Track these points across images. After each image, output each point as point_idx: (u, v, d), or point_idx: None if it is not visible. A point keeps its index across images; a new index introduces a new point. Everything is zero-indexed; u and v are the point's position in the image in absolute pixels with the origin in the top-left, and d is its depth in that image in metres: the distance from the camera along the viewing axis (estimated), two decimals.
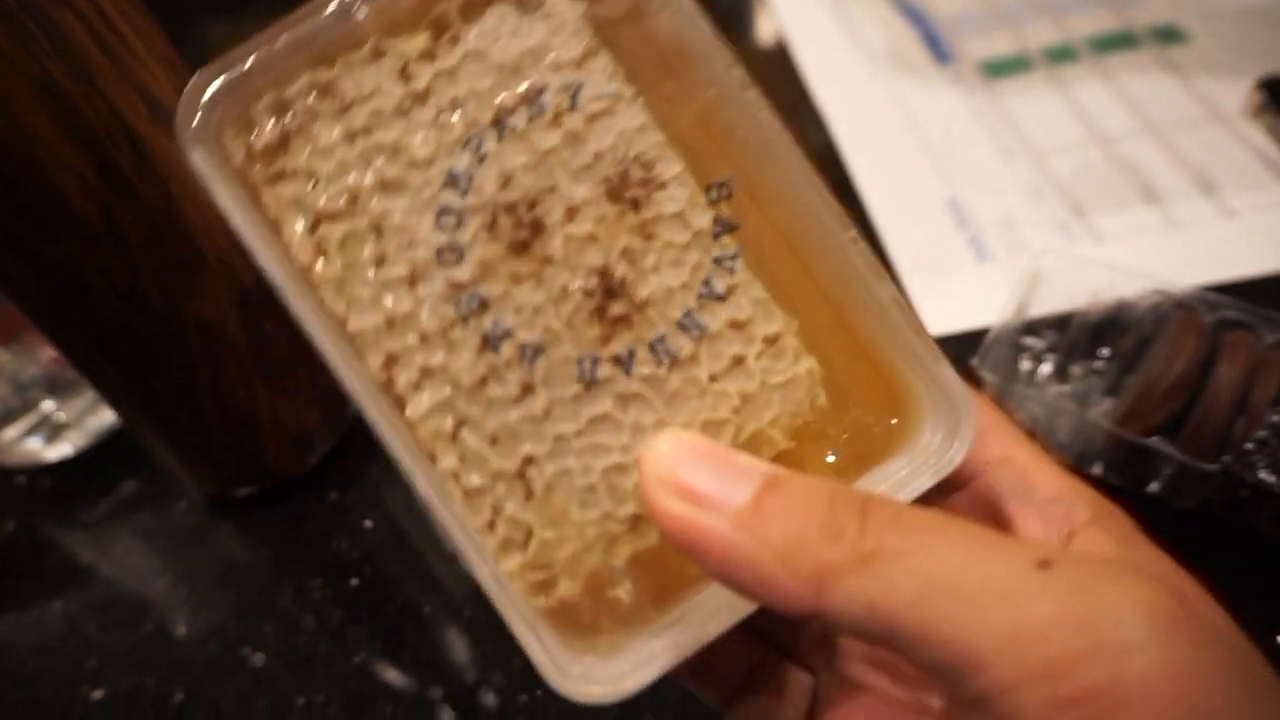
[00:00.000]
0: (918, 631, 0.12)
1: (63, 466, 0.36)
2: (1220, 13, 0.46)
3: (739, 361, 0.17)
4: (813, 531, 0.13)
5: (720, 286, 0.17)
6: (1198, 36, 0.45)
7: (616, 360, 0.16)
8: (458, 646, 0.31)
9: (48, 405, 0.36)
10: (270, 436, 0.32)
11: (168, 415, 0.29)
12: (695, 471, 0.13)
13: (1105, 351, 0.32)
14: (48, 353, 0.36)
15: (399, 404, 0.16)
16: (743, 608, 0.16)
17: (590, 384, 0.16)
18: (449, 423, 0.16)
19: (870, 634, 0.13)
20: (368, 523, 0.34)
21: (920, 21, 0.48)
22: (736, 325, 0.17)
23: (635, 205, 0.16)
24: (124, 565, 0.34)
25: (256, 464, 0.32)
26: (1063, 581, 0.12)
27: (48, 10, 0.20)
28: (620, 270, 0.16)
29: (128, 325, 0.25)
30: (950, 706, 0.17)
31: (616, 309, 0.16)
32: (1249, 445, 0.26)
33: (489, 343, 0.16)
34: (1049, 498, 0.16)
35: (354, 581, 0.32)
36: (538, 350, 0.16)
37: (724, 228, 0.17)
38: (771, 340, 0.17)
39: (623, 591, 0.16)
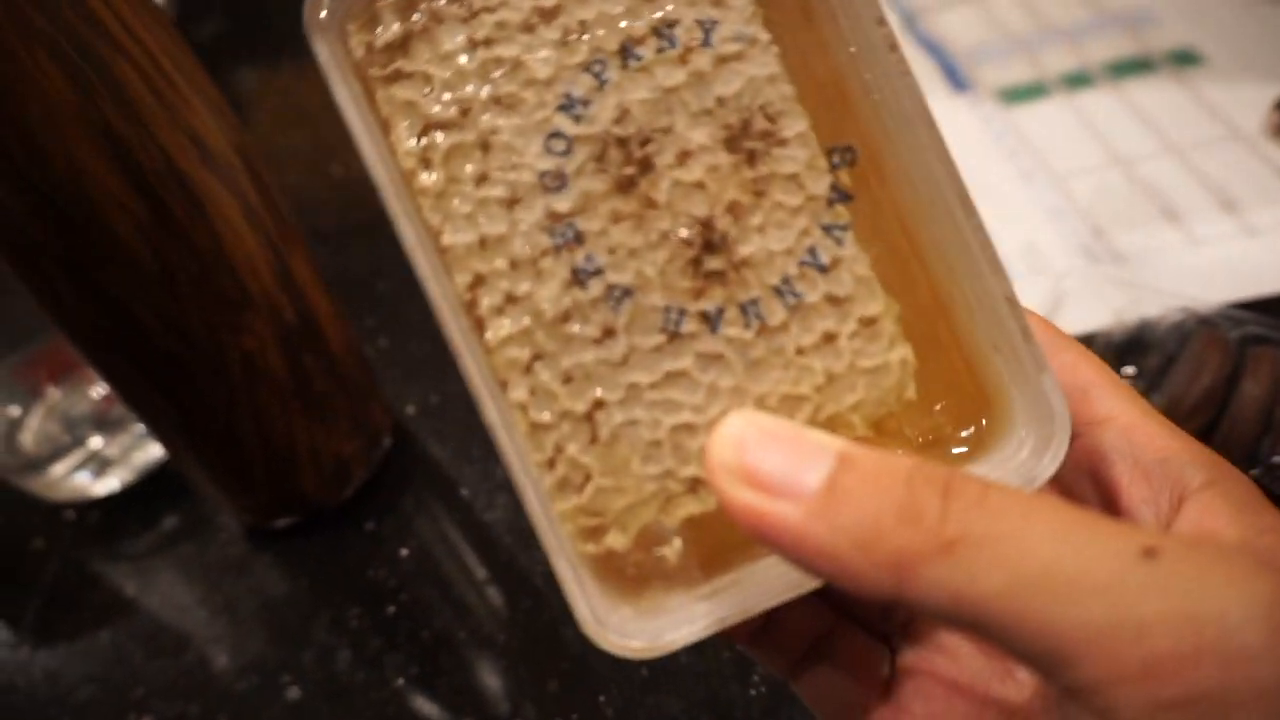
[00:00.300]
0: (1006, 623, 0.12)
1: (109, 501, 0.38)
2: (1236, 34, 0.46)
3: (830, 338, 0.16)
4: (890, 515, 0.12)
5: (825, 258, 0.16)
6: (1214, 58, 0.45)
7: (704, 317, 0.15)
8: (492, 673, 0.31)
9: (96, 441, 0.38)
10: (308, 467, 0.33)
11: (211, 447, 0.30)
12: (765, 456, 0.13)
13: (1130, 370, 0.32)
14: (96, 390, 0.38)
15: (479, 326, 0.15)
16: (803, 584, 0.15)
17: (673, 336, 0.15)
18: (525, 354, 0.15)
19: (954, 622, 0.12)
20: (403, 551, 0.34)
21: (937, 52, 0.49)
22: (834, 300, 0.16)
23: (751, 159, 0.16)
24: (168, 597, 0.35)
25: (295, 495, 0.33)
26: (1170, 574, 0.11)
27: (107, 61, 0.21)
28: (723, 224, 0.16)
29: (174, 358, 0.27)
30: (1043, 687, 0.17)
31: (713, 264, 0.16)
32: (1276, 460, 0.26)
33: (578, 278, 0.15)
34: (1157, 459, 0.15)
35: (390, 610, 0.33)
36: (626, 293, 0.15)
37: (839, 196, 0.16)
38: (868, 322, 0.16)
39: (672, 552, 0.16)
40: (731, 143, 0.16)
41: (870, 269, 0.16)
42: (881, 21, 0.15)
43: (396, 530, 0.35)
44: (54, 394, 0.37)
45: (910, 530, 0.12)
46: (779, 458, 0.13)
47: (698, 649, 0.30)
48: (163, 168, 0.23)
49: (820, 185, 0.16)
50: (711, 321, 0.16)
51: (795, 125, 0.16)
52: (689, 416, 0.16)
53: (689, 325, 0.16)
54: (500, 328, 0.15)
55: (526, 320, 0.15)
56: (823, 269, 0.16)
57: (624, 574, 0.16)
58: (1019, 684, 0.17)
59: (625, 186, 0.15)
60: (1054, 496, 0.14)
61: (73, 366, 0.37)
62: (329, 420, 0.32)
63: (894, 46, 0.15)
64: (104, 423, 0.38)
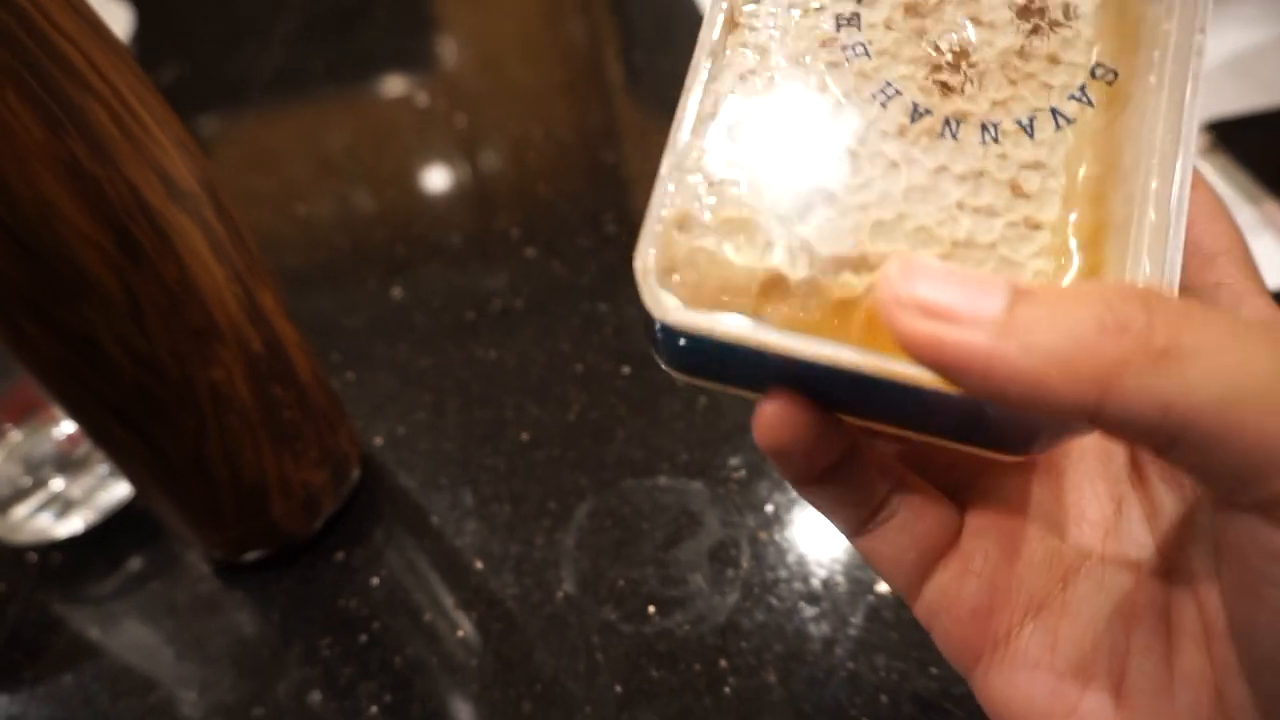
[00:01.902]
0: (1217, 434, 0.11)
1: (73, 543, 0.37)
2: None
3: (992, 212, 0.16)
4: (1090, 328, 0.12)
5: (1038, 136, 0.16)
6: None
7: (912, 113, 0.16)
8: (465, 698, 0.31)
9: (58, 483, 0.37)
10: (278, 497, 0.33)
11: (179, 479, 0.30)
12: (937, 288, 0.12)
13: None
14: (59, 431, 0.37)
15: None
16: (862, 362, 0.14)
17: (912, 120, 0.16)
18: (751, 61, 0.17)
19: (1155, 434, 0.12)
20: (374, 580, 0.34)
21: None
22: (1015, 187, 0.16)
23: (1034, 31, 0.16)
24: (134, 637, 0.35)
25: (264, 526, 0.33)
26: None
27: (75, 98, 0.22)
28: (980, 56, 0.16)
29: (142, 390, 0.27)
30: (1113, 528, 0.18)
31: (950, 79, 0.16)
32: None
33: (837, 29, 0.16)
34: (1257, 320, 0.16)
35: (362, 638, 0.33)
36: (874, 65, 0.16)
37: (1082, 97, 0.16)
38: (1033, 224, 0.16)
39: (787, 302, 0.15)
40: (1023, 11, 0.16)
41: (1063, 179, 0.16)
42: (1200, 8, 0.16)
43: (367, 560, 0.35)
44: (15, 436, 0.37)
45: (1116, 340, 0.12)
46: (955, 290, 0.12)
47: (671, 663, 0.30)
48: (130, 202, 0.24)
49: (1072, 79, 0.16)
50: (909, 125, 0.16)
51: (1084, 28, 0.16)
52: (882, 211, 0.16)
53: (925, 123, 0.16)
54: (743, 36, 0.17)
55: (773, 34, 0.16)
56: (1031, 140, 0.16)
57: (705, 286, 0.15)
58: (1082, 533, 0.18)
59: (911, 9, 0.17)
60: (1254, 320, 0.15)
61: (34, 407, 0.37)
62: (298, 450, 0.33)
63: (1202, 29, 0.16)
64: (67, 463, 0.37)
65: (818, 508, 0.19)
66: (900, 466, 0.19)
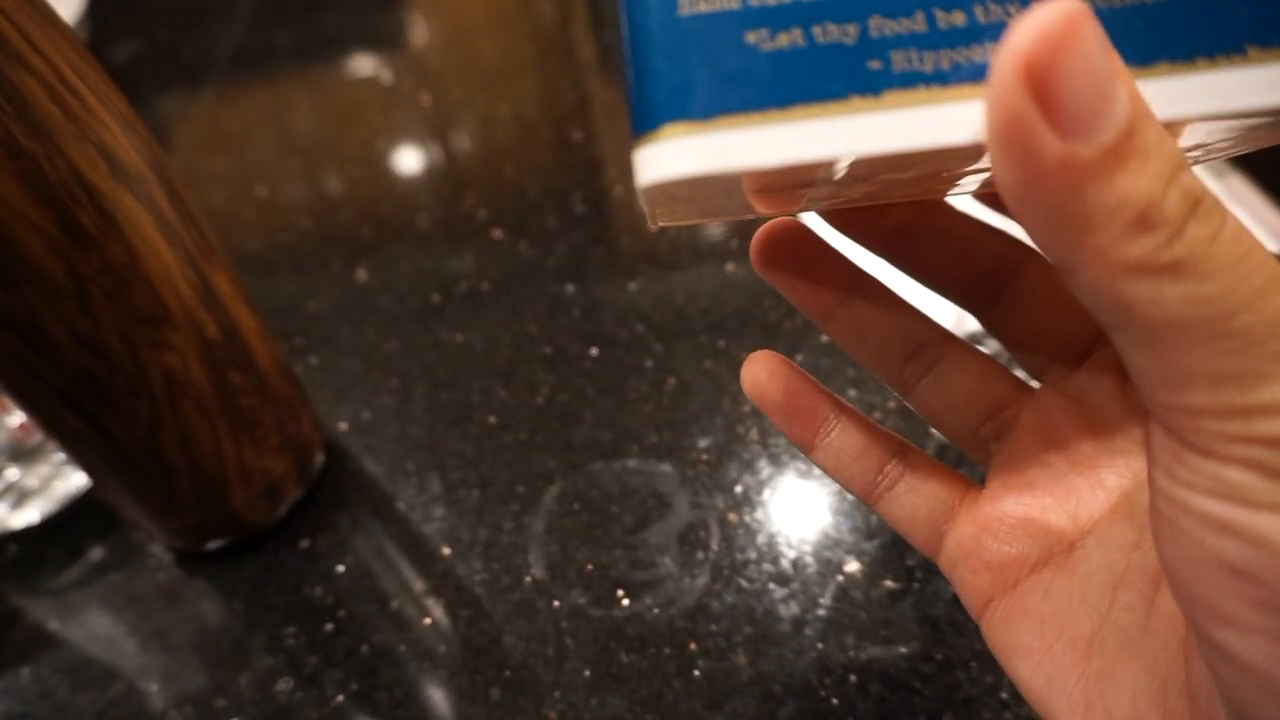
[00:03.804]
0: (1161, 349, 0.12)
1: (29, 533, 0.36)
2: None
3: None
4: (1132, 208, 0.11)
5: None
6: None
7: None
8: (434, 684, 0.31)
9: (12, 473, 0.36)
10: (238, 486, 0.32)
11: (135, 468, 0.29)
12: (1072, 78, 0.11)
13: None
14: (11, 420, 0.36)
15: None
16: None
17: None
18: None
19: (1106, 315, 0.12)
20: (340, 568, 0.34)
21: None
22: None
23: None
24: (94, 629, 0.34)
25: (225, 515, 0.33)
26: None
27: (10, 75, 0.21)
28: None
29: (91, 376, 0.26)
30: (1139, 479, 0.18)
31: None
32: None
33: None
34: None
35: (328, 627, 0.32)
36: None
37: None
38: None
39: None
40: None
41: None
42: None
43: (332, 547, 0.35)
44: None
45: (1134, 236, 0.11)
46: (1083, 88, 0.11)
47: (640, 647, 0.30)
48: (71, 182, 0.23)
49: None
50: None
51: None
52: None
53: None
54: None
55: None
56: None
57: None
58: (1096, 499, 0.19)
59: None
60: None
61: None
62: (258, 438, 0.32)
63: None
64: (21, 453, 0.36)
65: (829, 473, 0.21)
66: (897, 438, 0.21)
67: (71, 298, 0.24)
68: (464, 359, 0.41)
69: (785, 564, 0.32)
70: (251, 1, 0.73)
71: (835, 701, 0.28)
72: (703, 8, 0.13)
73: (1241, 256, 0.12)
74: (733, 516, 0.34)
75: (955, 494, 0.20)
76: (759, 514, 0.33)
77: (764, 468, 0.35)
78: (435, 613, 0.32)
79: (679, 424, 0.37)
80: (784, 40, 0.13)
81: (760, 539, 0.33)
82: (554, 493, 0.35)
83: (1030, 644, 0.18)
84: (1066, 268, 0.12)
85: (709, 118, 0.13)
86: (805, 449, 0.21)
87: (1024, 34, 0.11)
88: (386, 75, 0.63)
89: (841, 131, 0.13)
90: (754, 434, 0.36)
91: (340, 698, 0.30)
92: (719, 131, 0.13)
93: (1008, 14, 0.12)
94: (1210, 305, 0.11)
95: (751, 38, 0.13)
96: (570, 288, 0.44)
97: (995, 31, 0.12)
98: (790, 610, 0.30)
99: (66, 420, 0.28)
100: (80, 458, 0.30)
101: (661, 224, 0.17)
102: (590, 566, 0.33)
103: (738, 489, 0.34)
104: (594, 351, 0.40)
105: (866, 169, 0.14)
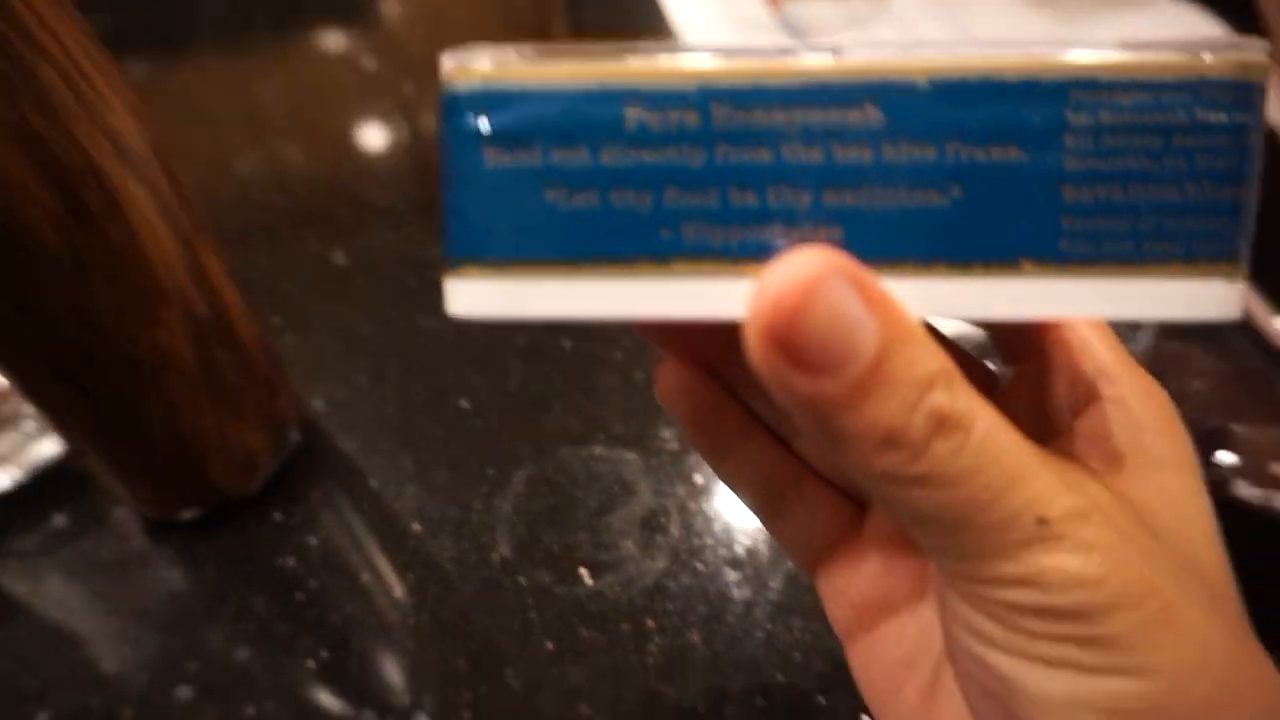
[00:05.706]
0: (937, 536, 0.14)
1: (0, 499, 0.37)
2: None
3: None
4: (877, 436, 0.13)
5: None
6: None
7: None
8: (403, 653, 0.32)
9: None
10: (216, 457, 0.33)
11: (118, 438, 0.30)
12: (814, 330, 0.12)
13: None
14: None
15: None
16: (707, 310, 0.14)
17: None
18: None
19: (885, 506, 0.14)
20: (312, 540, 0.35)
21: (802, 38, 0.53)
22: None
23: None
24: (62, 593, 0.35)
25: (202, 485, 0.34)
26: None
27: (27, 59, 0.22)
28: None
29: (84, 349, 0.27)
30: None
31: None
32: None
33: None
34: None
35: (299, 596, 0.34)
36: None
37: None
38: None
39: None
40: None
41: None
42: None
43: (305, 520, 0.36)
44: None
45: (886, 452, 0.13)
46: (824, 334, 0.12)
47: (601, 623, 0.32)
48: (79, 163, 0.24)
49: None
50: None
51: None
52: None
53: None
54: None
55: None
56: None
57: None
58: None
59: None
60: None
61: None
62: (238, 413, 0.33)
63: None
64: None
65: (729, 486, 0.22)
66: (798, 462, 0.22)
67: (72, 276, 0.25)
68: (439, 344, 0.42)
69: (739, 550, 0.34)
70: None
71: (780, 678, 0.30)
72: (508, 161, 0.14)
73: (985, 465, 0.13)
74: (692, 504, 0.36)
75: (838, 526, 0.21)
76: (716, 503, 0.35)
77: None
78: (405, 586, 0.34)
79: (645, 415, 0.39)
80: (580, 200, 0.14)
81: (717, 526, 0.35)
82: (523, 476, 0.37)
83: (883, 685, 0.19)
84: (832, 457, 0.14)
85: (504, 263, 0.14)
86: (709, 462, 0.22)
87: (765, 295, 0.12)
88: (365, 54, 0.63)
89: (625, 293, 0.14)
90: None
91: (310, 663, 0.32)
92: (512, 279, 0.14)
93: (799, 200, 0.13)
94: (953, 509, 0.13)
95: (550, 195, 0.14)
96: None
97: (786, 215, 0.14)
98: (742, 593, 0.33)
99: (52, 388, 0.29)
100: (64, 426, 0.31)
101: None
102: (556, 547, 0.34)
103: (698, 479, 0.36)
104: (566, 344, 0.42)
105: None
